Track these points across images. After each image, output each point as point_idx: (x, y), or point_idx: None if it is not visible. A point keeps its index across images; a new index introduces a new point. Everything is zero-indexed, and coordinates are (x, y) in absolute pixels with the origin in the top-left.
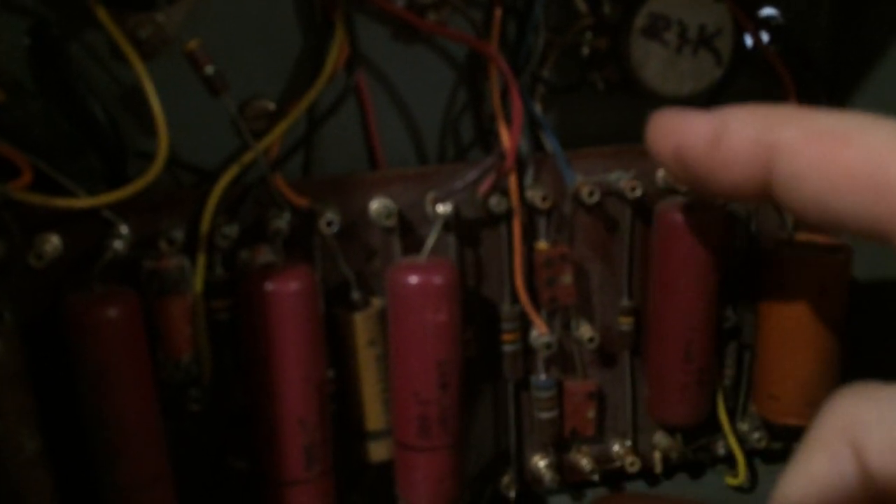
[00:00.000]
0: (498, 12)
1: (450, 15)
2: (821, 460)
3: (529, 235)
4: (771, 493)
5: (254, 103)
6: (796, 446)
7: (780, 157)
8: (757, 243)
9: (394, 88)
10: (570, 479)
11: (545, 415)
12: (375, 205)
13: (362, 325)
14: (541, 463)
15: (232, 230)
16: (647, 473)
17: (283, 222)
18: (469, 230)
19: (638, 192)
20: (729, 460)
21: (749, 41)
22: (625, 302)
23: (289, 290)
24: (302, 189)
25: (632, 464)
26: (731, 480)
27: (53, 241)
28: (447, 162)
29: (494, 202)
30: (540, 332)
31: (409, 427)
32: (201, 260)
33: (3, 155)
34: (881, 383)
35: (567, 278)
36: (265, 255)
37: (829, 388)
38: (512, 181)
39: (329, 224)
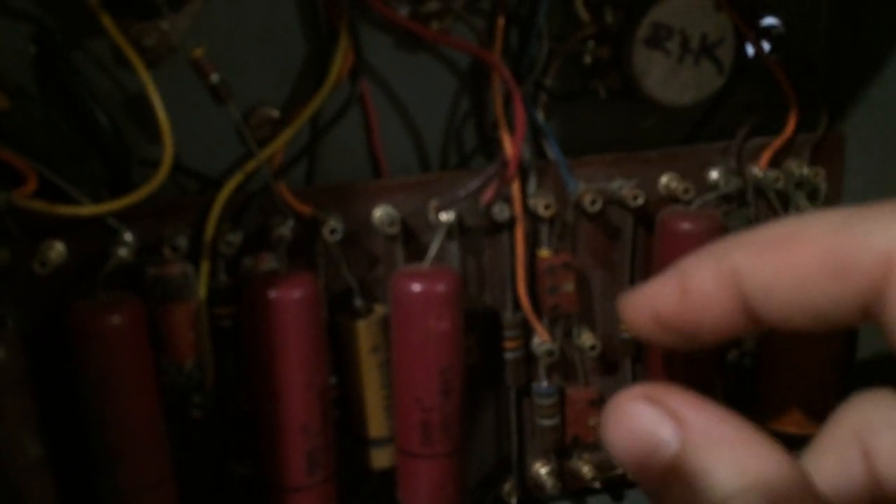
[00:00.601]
0: (501, 21)
1: (453, 23)
2: (830, 462)
3: (532, 243)
4: None
5: (258, 111)
6: (797, 454)
7: (744, 278)
8: None
9: (397, 96)
10: (572, 487)
11: (547, 422)
12: (378, 212)
13: (365, 332)
14: (542, 470)
15: (236, 237)
16: None
17: (286, 230)
18: (472, 238)
19: (640, 201)
20: None
21: (750, 50)
22: None
23: (292, 297)
24: (305, 197)
25: (619, 464)
26: None
27: (57, 248)
28: (450, 170)
29: (497, 210)
30: (542, 340)
31: (411, 434)
32: (205, 267)
33: (8, 162)
34: (893, 390)
35: (569, 286)
36: (268, 262)
37: (830, 397)
38: (514, 189)
39: (332, 232)
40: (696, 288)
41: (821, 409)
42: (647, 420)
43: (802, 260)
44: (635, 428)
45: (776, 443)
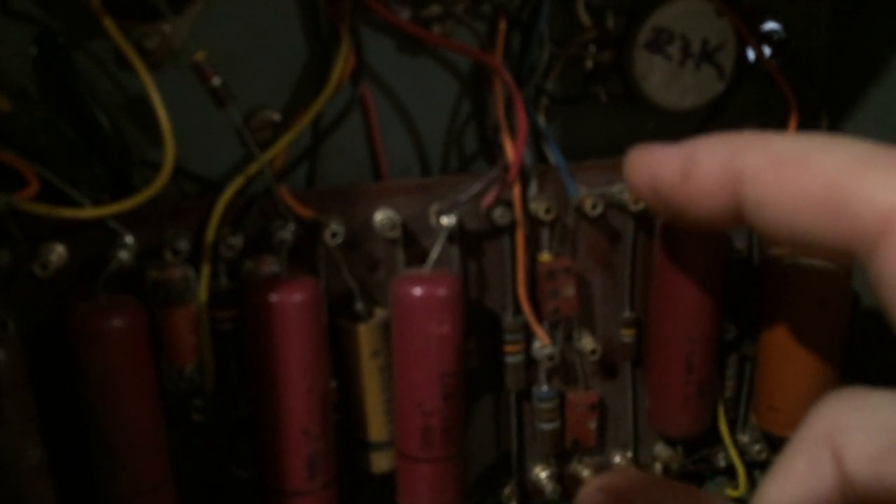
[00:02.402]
0: (502, 25)
1: (454, 27)
2: (801, 463)
3: (532, 247)
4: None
5: (259, 114)
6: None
7: (746, 184)
8: (758, 255)
9: (398, 100)
10: (572, 490)
11: (547, 426)
12: (379, 216)
13: (366, 335)
14: (542, 474)
15: (237, 241)
16: None
17: (287, 233)
18: (472, 242)
19: (640, 205)
20: (729, 472)
21: (751, 55)
22: (627, 314)
23: (293, 300)
24: (306, 200)
25: None
26: (731, 492)
27: (59, 251)
28: (451, 173)
29: (498, 214)
30: (542, 344)
31: (411, 438)
32: (206, 270)
33: (10, 164)
34: (868, 389)
35: (569, 290)
36: (270, 265)
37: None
38: (515, 193)
39: (333, 235)
40: (697, 176)
41: None
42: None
43: (806, 186)
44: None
45: None
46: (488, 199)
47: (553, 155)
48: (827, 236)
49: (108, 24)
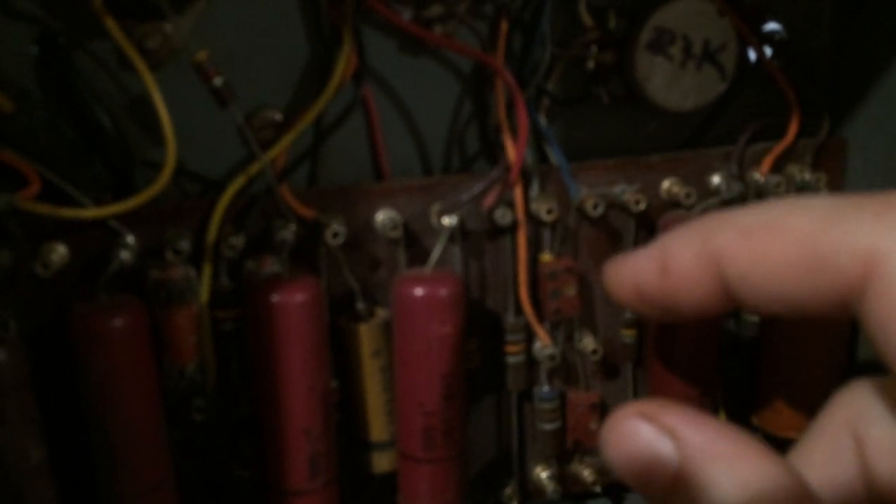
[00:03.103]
0: (504, 25)
1: (456, 28)
2: (823, 450)
3: (534, 247)
4: None
5: (261, 114)
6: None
7: (724, 263)
8: None
9: (400, 100)
10: (572, 491)
11: (548, 426)
12: (381, 216)
13: (367, 335)
14: (543, 474)
15: (238, 240)
16: None
17: (288, 233)
18: (474, 242)
19: (642, 205)
20: None
21: (753, 56)
22: (628, 314)
23: (294, 300)
24: (308, 200)
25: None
26: None
27: (60, 251)
28: (452, 174)
29: (499, 214)
30: (543, 344)
31: (413, 438)
32: (207, 270)
33: (11, 164)
34: (891, 378)
35: (571, 290)
36: (271, 265)
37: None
38: (517, 193)
39: (335, 235)
40: (676, 267)
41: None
42: (646, 438)
43: (781, 250)
44: (634, 446)
45: (773, 453)
46: (490, 199)
47: (554, 155)
48: (815, 295)
49: (110, 23)
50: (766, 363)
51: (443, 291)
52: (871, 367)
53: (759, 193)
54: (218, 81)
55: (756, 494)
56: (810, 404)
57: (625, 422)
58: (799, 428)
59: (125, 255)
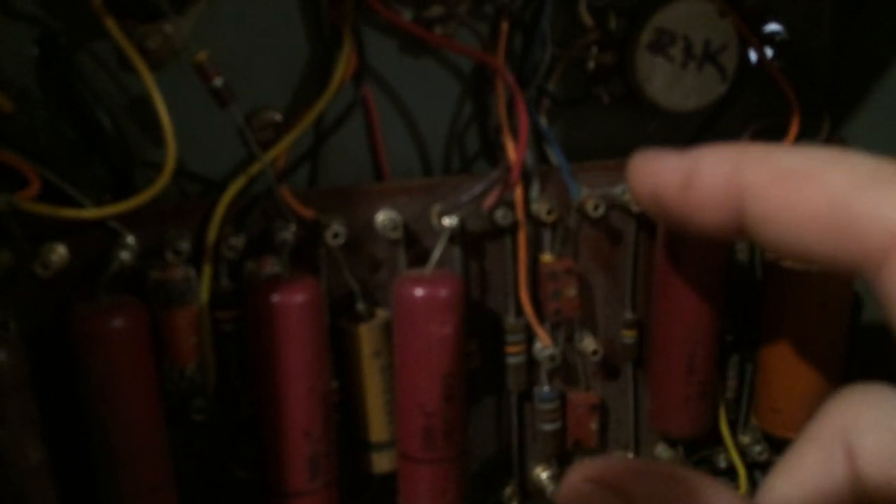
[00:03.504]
0: (504, 26)
1: (456, 28)
2: (813, 458)
3: (534, 248)
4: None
5: (261, 114)
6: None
7: (749, 198)
8: (759, 257)
9: (400, 101)
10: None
11: (548, 426)
12: (381, 217)
13: (367, 336)
14: (543, 474)
15: (238, 241)
16: None
17: (289, 233)
18: (474, 242)
19: (640, 206)
20: (730, 473)
21: (753, 56)
22: (628, 315)
23: (295, 301)
24: (308, 200)
25: None
26: None
27: (60, 251)
28: (453, 174)
29: (500, 215)
30: (544, 345)
31: (413, 438)
32: (207, 271)
33: (11, 165)
34: (884, 386)
35: (571, 291)
36: (271, 266)
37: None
38: (517, 194)
39: (335, 236)
40: (700, 186)
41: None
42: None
43: (810, 204)
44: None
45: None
46: (490, 199)
47: (555, 156)
48: (831, 253)
49: (110, 24)
50: (765, 363)
51: (443, 292)
52: (872, 366)
53: None
54: (218, 82)
55: None
56: (810, 404)
57: (570, 482)
58: (798, 428)
59: (125, 255)
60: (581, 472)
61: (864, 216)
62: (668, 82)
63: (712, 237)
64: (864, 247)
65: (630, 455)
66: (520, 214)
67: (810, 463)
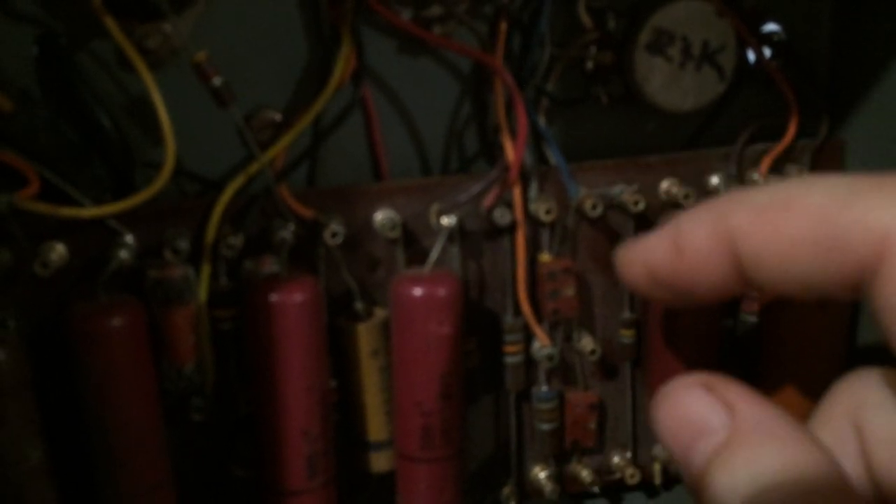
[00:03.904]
0: (503, 26)
1: (455, 28)
2: (824, 437)
3: (533, 248)
4: None
5: (260, 114)
6: None
7: (738, 242)
8: None
9: (399, 100)
10: (571, 491)
11: (546, 426)
12: (380, 216)
13: (365, 335)
14: (541, 474)
15: (237, 240)
16: (646, 485)
17: (287, 233)
18: (473, 242)
19: (641, 206)
20: None
21: (751, 56)
22: (626, 314)
23: (293, 300)
24: (307, 200)
25: (632, 475)
26: None
27: (59, 250)
28: (451, 174)
29: (498, 214)
30: (542, 344)
31: (411, 438)
32: (206, 270)
33: (11, 164)
34: (892, 368)
35: (570, 290)
36: (270, 265)
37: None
38: (516, 193)
39: (334, 235)
40: (690, 247)
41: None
42: (700, 406)
43: (796, 229)
44: (688, 411)
45: (821, 445)
46: (489, 199)
47: (553, 156)
48: (828, 274)
49: (110, 23)
50: (766, 358)
51: (441, 291)
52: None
53: None
54: (217, 81)
55: (798, 478)
56: (810, 400)
57: (683, 389)
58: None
59: (124, 254)
60: (695, 378)
61: (849, 227)
62: (666, 82)
63: (720, 297)
64: (854, 259)
65: (628, 455)
66: (518, 214)
67: (822, 442)
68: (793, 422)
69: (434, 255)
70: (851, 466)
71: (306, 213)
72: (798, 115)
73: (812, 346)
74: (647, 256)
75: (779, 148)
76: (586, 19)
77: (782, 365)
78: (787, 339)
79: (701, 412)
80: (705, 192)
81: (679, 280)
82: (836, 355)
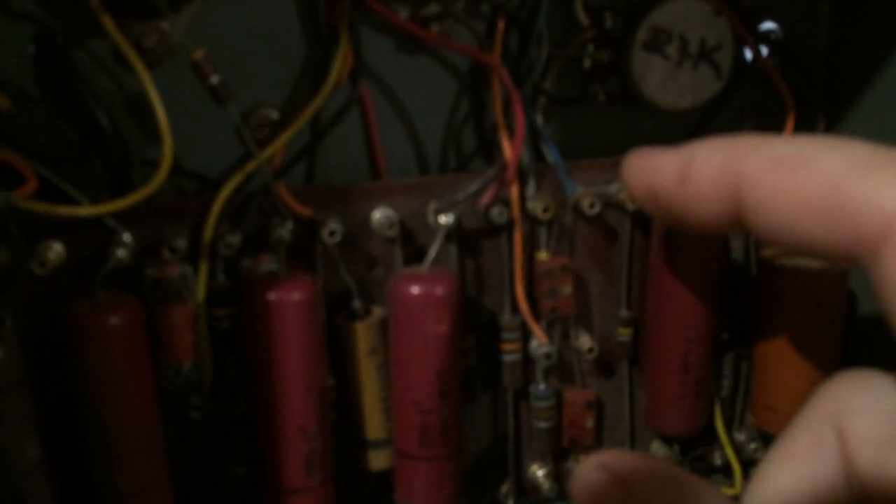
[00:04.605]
0: (501, 24)
1: (453, 27)
2: (804, 443)
3: (530, 246)
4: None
5: (258, 112)
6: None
7: (745, 188)
8: (754, 255)
9: (397, 99)
10: (569, 488)
11: (544, 424)
12: (377, 215)
13: (363, 333)
14: (539, 472)
15: (235, 239)
16: None
17: (285, 231)
18: (470, 240)
19: (637, 204)
20: (726, 470)
21: (749, 55)
22: (624, 312)
23: (291, 299)
24: (305, 198)
25: None
26: (727, 490)
27: (56, 249)
28: (449, 172)
29: (496, 213)
30: (540, 342)
31: (409, 436)
32: (204, 268)
33: (9, 163)
34: (875, 371)
35: (567, 289)
36: (268, 263)
37: None
38: (513, 192)
39: (331, 233)
40: (696, 179)
41: None
42: (598, 487)
43: (806, 190)
44: (587, 494)
45: (711, 490)
46: (486, 197)
47: (551, 154)
48: (828, 240)
49: (107, 22)
50: (761, 361)
51: (439, 290)
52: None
53: None
54: (215, 80)
55: None
56: (805, 402)
57: (584, 472)
58: None
59: (122, 253)
60: (594, 460)
61: (859, 201)
62: (663, 81)
63: (711, 231)
64: (859, 232)
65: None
66: (516, 212)
67: (802, 447)
68: (681, 477)
69: (432, 253)
70: (832, 471)
71: (304, 211)
72: (795, 113)
73: (806, 344)
74: (652, 173)
75: None
76: (584, 18)
77: (778, 364)
78: (782, 338)
79: (598, 493)
80: None
81: (678, 207)
82: (831, 354)
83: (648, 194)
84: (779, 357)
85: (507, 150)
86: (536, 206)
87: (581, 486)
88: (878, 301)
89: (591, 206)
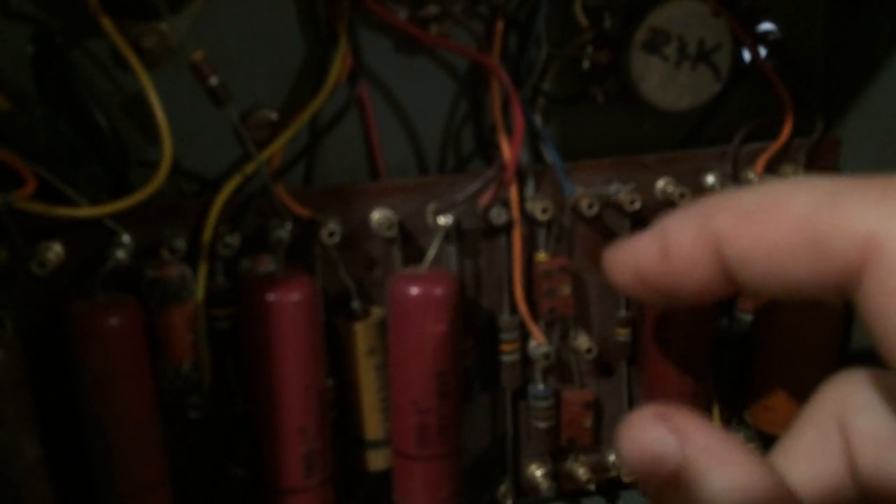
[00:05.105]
0: (500, 25)
1: (452, 27)
2: (810, 438)
3: (529, 247)
4: None
5: (257, 113)
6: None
7: (723, 245)
8: None
9: (396, 100)
10: (567, 488)
11: (542, 424)
12: (376, 215)
13: (362, 334)
14: (538, 472)
15: (234, 239)
16: None
17: (284, 232)
18: (469, 241)
19: (636, 205)
20: None
21: (747, 56)
22: (622, 313)
23: (290, 299)
24: (304, 199)
25: (628, 473)
26: None
27: (56, 250)
28: (448, 173)
29: (495, 213)
30: (538, 343)
31: (408, 436)
32: (203, 269)
33: (7, 163)
34: (879, 369)
35: (566, 289)
36: (267, 264)
37: None
38: (512, 192)
39: (331, 234)
40: (677, 249)
41: None
42: (654, 436)
43: (780, 233)
44: (644, 442)
45: (764, 460)
46: (485, 198)
47: (550, 155)
48: (814, 278)
49: (106, 22)
50: (759, 360)
51: (438, 290)
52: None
53: None
54: (214, 81)
55: (742, 491)
56: (804, 402)
57: (639, 420)
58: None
59: (121, 253)
60: (652, 409)
61: (832, 232)
62: (662, 81)
63: (706, 298)
64: (838, 263)
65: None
66: (514, 213)
67: (807, 443)
68: (740, 446)
69: (431, 254)
70: (836, 468)
71: (303, 212)
72: (793, 113)
73: (805, 344)
74: (634, 259)
75: (774, 147)
76: (582, 18)
77: (776, 364)
78: (781, 338)
79: (655, 442)
80: (701, 192)
81: (666, 282)
82: (830, 355)
83: (637, 281)
84: (778, 357)
85: (506, 150)
86: (535, 207)
87: (633, 436)
88: (866, 329)
89: (590, 206)
